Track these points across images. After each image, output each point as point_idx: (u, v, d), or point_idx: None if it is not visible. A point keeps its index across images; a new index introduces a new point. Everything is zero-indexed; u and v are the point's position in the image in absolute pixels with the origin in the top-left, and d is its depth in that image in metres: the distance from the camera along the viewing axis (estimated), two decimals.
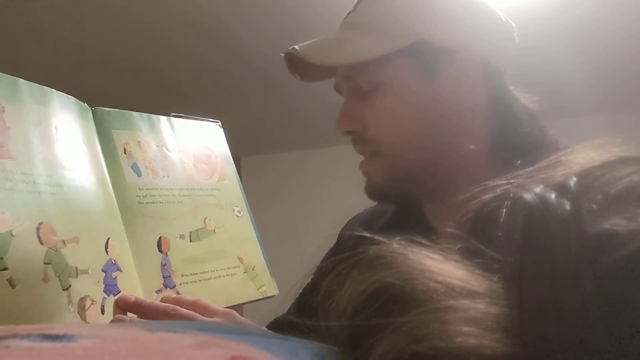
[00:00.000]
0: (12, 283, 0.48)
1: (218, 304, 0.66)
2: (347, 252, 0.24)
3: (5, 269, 0.47)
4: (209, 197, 0.77)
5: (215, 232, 0.75)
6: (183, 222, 0.71)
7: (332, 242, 0.83)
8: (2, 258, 0.47)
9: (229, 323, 0.61)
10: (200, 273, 0.71)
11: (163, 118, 0.77)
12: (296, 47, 0.66)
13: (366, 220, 0.79)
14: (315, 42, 0.67)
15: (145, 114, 0.74)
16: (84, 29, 2.18)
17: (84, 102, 0.66)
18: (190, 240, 0.71)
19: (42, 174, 0.54)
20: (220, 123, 0.87)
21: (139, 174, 0.69)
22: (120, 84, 2.62)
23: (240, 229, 0.80)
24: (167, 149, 0.75)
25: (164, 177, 0.72)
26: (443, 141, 0.64)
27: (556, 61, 2.36)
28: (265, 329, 0.74)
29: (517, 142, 0.62)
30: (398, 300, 0.21)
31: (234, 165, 0.85)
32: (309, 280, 0.74)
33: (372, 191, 0.68)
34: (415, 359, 0.19)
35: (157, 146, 0.73)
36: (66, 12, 2.05)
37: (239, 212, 0.81)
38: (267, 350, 0.20)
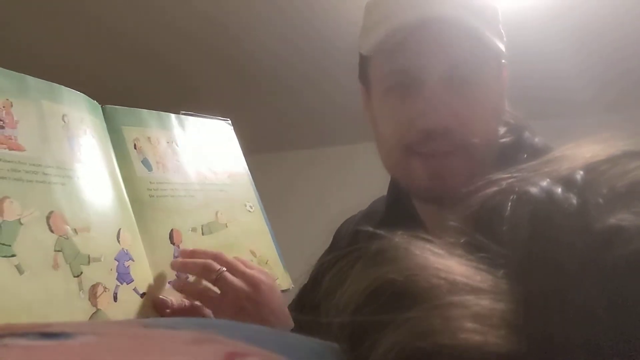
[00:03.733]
0: (20, 269, 0.48)
1: None
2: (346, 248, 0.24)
3: (13, 255, 0.48)
4: (220, 192, 0.78)
5: (227, 226, 0.75)
6: (195, 215, 0.72)
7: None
8: (10, 245, 0.48)
9: (228, 320, 0.61)
10: None
11: (172, 116, 0.77)
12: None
13: (360, 222, 0.79)
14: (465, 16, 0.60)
15: (154, 112, 0.75)
16: (95, 24, 2.19)
17: (93, 100, 0.66)
18: (202, 234, 0.71)
19: (51, 166, 0.55)
20: (230, 121, 0.87)
21: (150, 169, 0.69)
22: (129, 79, 2.63)
23: (252, 224, 0.80)
24: (177, 145, 0.75)
25: (174, 172, 0.72)
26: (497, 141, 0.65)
27: (557, 60, 2.35)
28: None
29: (505, 146, 0.64)
30: (401, 296, 0.20)
31: (245, 162, 0.85)
32: (308, 278, 0.75)
33: (441, 190, 0.60)
34: (418, 355, 0.18)
35: (167, 142, 0.74)
36: (77, 8, 2.06)
37: (250, 207, 0.81)
38: (266, 347, 0.20)
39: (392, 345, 0.19)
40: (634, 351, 0.18)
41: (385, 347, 0.19)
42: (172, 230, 0.68)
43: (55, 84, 0.60)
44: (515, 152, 0.62)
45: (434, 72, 0.60)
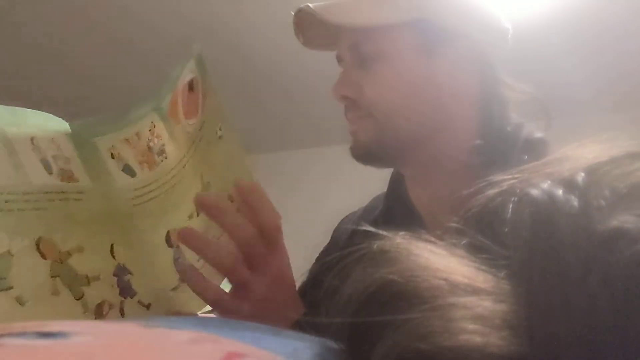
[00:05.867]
0: (20, 301, 0.47)
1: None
2: (345, 247, 0.23)
3: (10, 287, 0.47)
4: (199, 144, 0.64)
5: (210, 185, 0.64)
6: (187, 199, 0.64)
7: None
8: (5, 278, 0.47)
9: (228, 319, 0.61)
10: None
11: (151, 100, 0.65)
12: (310, 5, 0.67)
13: (360, 219, 0.79)
14: (331, 2, 0.68)
15: (127, 108, 0.66)
16: (73, 44, 2.18)
17: (61, 117, 0.63)
18: (197, 215, 0.64)
19: (30, 192, 0.53)
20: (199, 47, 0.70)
21: (133, 174, 0.64)
22: (122, 79, 2.62)
23: (225, 154, 0.65)
24: (161, 123, 0.65)
25: (162, 160, 0.65)
26: (435, 120, 0.66)
27: (560, 59, 2.36)
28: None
29: (499, 141, 0.65)
30: (401, 297, 0.20)
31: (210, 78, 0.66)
32: (307, 277, 0.74)
33: (358, 151, 0.69)
34: (419, 356, 0.18)
35: (150, 130, 0.66)
36: (43, 18, 2.05)
37: (219, 130, 0.65)
38: (265, 348, 0.19)
39: (393, 347, 0.19)
40: (638, 352, 0.18)
41: (385, 348, 0.19)
42: (167, 232, 0.64)
43: (16, 107, 0.57)
44: (511, 145, 0.64)
45: (346, 54, 0.69)
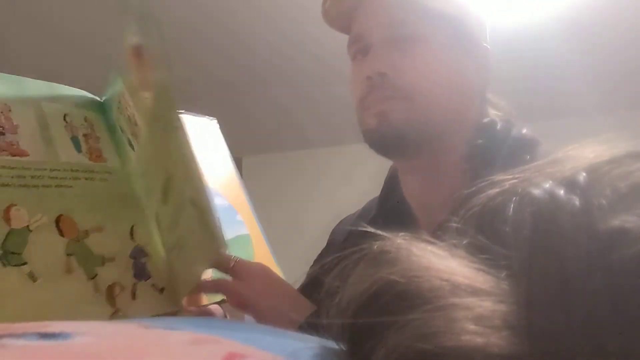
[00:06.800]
0: (32, 277, 0.48)
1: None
2: (343, 248, 0.23)
3: (24, 263, 0.48)
4: (156, 125, 0.59)
5: (172, 179, 0.58)
6: (157, 182, 0.59)
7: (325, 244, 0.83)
8: (20, 253, 0.48)
9: (228, 320, 0.61)
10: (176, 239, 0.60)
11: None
12: None
13: (356, 221, 0.80)
14: None
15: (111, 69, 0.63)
16: (83, 23, 2.18)
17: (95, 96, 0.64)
18: (165, 203, 0.59)
19: (57, 168, 0.54)
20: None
21: (133, 148, 0.63)
22: None
23: (180, 148, 0.54)
24: (125, 88, 0.61)
25: (138, 131, 0.61)
26: (457, 111, 0.68)
27: (562, 60, 2.36)
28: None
29: (490, 138, 0.67)
30: (403, 298, 0.20)
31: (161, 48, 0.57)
32: (306, 279, 0.75)
33: (384, 130, 0.67)
34: (420, 357, 0.18)
35: (123, 95, 0.62)
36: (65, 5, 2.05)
37: (176, 120, 0.54)
38: (265, 349, 0.19)
39: (394, 347, 0.19)
40: (639, 353, 0.17)
41: (387, 349, 0.19)
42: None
43: (54, 83, 0.58)
44: (500, 142, 0.66)
45: (378, 31, 0.67)
